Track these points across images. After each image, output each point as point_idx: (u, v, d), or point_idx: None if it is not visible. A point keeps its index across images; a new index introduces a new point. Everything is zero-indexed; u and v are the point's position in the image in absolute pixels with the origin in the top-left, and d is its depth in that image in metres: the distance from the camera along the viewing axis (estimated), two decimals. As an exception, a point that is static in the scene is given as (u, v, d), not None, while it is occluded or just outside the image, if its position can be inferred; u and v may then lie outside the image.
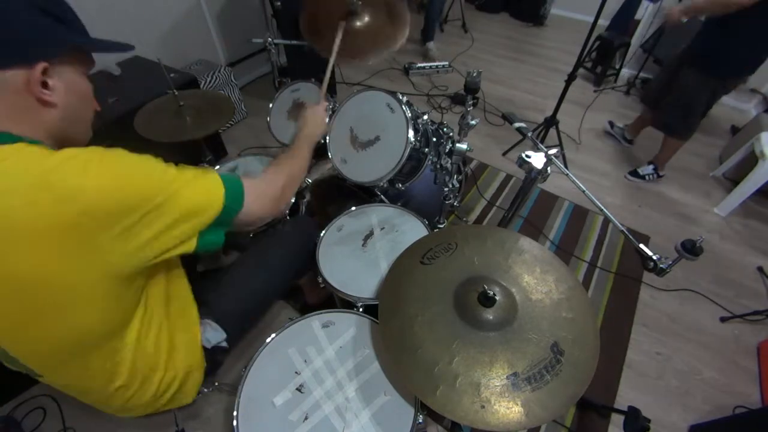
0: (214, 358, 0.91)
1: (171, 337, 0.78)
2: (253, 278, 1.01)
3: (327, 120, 1.17)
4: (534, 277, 0.87)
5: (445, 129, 1.47)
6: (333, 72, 1.25)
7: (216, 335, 0.89)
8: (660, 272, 0.80)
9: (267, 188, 0.80)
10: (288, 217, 1.31)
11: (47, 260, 0.51)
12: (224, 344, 0.91)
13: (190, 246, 0.64)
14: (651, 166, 2.23)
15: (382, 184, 1.26)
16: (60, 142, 0.61)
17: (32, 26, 0.54)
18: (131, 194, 0.54)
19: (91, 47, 0.64)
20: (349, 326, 0.95)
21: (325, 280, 1.09)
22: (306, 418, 0.80)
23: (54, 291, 0.54)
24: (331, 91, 2.67)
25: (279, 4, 2.15)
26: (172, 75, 1.54)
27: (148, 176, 0.58)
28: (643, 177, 2.24)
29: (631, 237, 0.85)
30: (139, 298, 0.67)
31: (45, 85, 0.56)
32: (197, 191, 0.63)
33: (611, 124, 2.55)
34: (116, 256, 0.55)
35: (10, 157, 0.51)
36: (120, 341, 0.67)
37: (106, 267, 0.55)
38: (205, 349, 0.88)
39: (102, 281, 0.56)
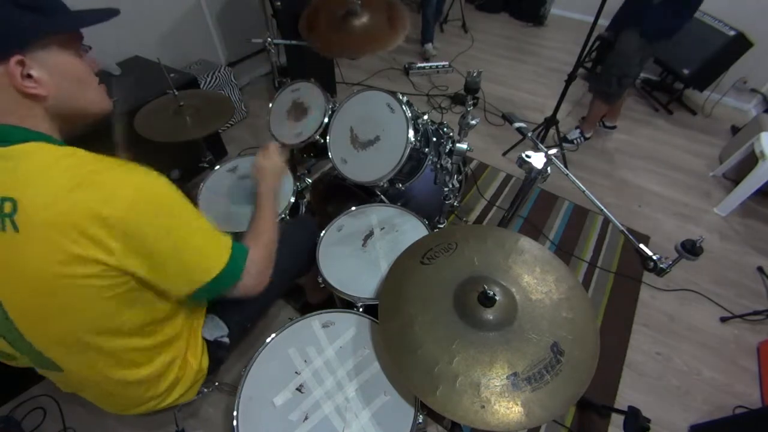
0: (215, 354, 0.91)
1: (184, 331, 0.82)
2: None
3: (280, 160, 1.13)
4: (534, 277, 0.87)
5: (445, 129, 1.47)
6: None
7: (218, 329, 0.90)
8: (660, 272, 0.81)
9: (260, 263, 0.81)
10: (289, 217, 1.31)
11: (61, 251, 0.53)
12: (225, 340, 0.92)
13: (178, 294, 0.68)
14: (577, 131, 2.37)
15: (382, 184, 1.26)
16: (69, 123, 0.63)
17: (2, 21, 0.52)
18: (150, 227, 0.58)
19: (70, 27, 0.60)
20: (349, 326, 0.95)
21: (325, 280, 1.09)
22: (306, 418, 0.80)
23: (78, 288, 0.56)
24: (331, 91, 2.68)
25: (279, 4, 2.15)
26: (172, 75, 1.54)
27: (172, 220, 0.62)
28: (571, 141, 2.39)
29: (631, 237, 0.85)
30: (153, 298, 0.69)
31: (29, 77, 0.54)
32: (204, 254, 0.67)
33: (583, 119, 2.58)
34: (128, 262, 0.58)
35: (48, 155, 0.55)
36: (142, 335, 0.70)
37: (119, 266, 0.58)
38: (208, 344, 0.89)
39: (114, 278, 0.58)
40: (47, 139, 0.58)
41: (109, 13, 0.63)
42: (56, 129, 0.61)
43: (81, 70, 0.63)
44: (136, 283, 0.61)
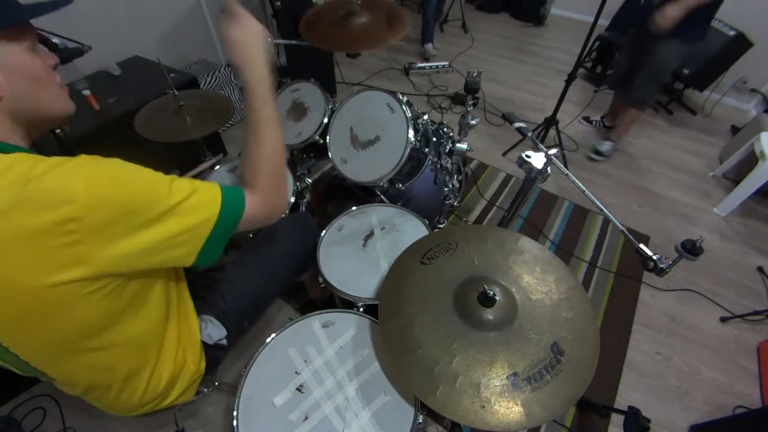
0: (213, 355, 0.91)
1: (176, 332, 0.80)
2: (252, 276, 1.01)
3: (257, 24, 0.77)
4: (534, 277, 0.87)
5: (445, 129, 1.47)
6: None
7: (217, 332, 0.89)
8: (660, 272, 0.80)
9: (261, 199, 0.70)
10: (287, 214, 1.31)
11: (36, 266, 0.50)
12: (224, 341, 0.92)
13: (186, 260, 0.62)
14: (608, 143, 2.36)
15: (382, 184, 1.26)
16: (32, 128, 0.59)
17: None
18: (122, 203, 0.53)
19: (13, 19, 0.55)
20: (349, 326, 0.95)
21: (325, 280, 1.09)
22: (306, 418, 0.80)
23: (46, 296, 0.53)
24: (331, 91, 2.68)
25: (279, 4, 2.15)
26: (172, 75, 1.54)
27: (144, 187, 0.56)
28: (606, 155, 2.39)
29: (631, 237, 0.85)
30: (140, 295, 0.67)
31: None
32: (196, 206, 0.60)
33: (587, 119, 2.62)
34: (106, 262, 0.54)
35: None
36: (123, 335, 0.67)
37: (96, 271, 0.54)
38: (205, 345, 0.89)
39: (94, 283, 0.55)
40: (3, 148, 0.54)
41: (60, 3, 0.59)
42: (18, 134, 0.58)
43: (37, 68, 0.58)
44: (119, 280, 0.59)
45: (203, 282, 0.95)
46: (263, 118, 0.73)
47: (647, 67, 1.99)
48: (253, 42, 0.74)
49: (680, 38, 1.84)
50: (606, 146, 2.35)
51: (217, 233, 0.63)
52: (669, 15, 1.77)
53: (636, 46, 2.03)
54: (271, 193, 0.72)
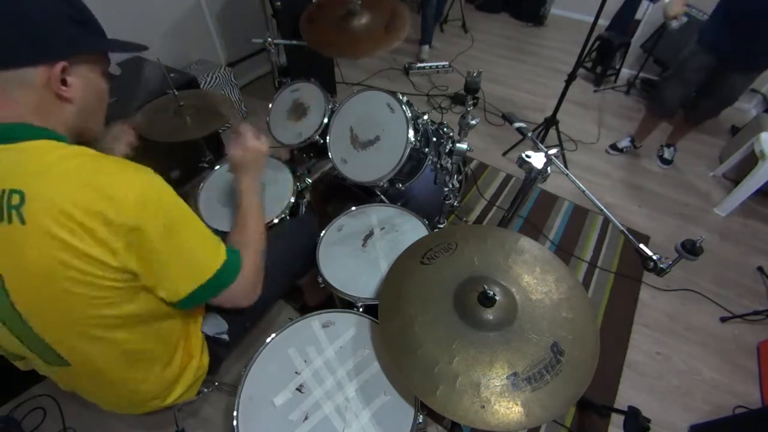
0: (215, 351, 0.92)
1: (185, 325, 0.83)
2: None
3: (260, 146, 1.00)
4: (534, 277, 0.87)
5: (445, 129, 1.47)
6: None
7: (218, 325, 0.91)
8: (660, 272, 0.80)
9: (251, 278, 0.80)
10: (289, 217, 1.31)
11: (76, 243, 0.55)
12: (225, 337, 0.92)
13: (174, 296, 0.68)
14: (671, 148, 2.36)
15: (382, 184, 1.26)
16: (76, 133, 0.66)
17: (58, 30, 0.59)
18: (148, 227, 0.59)
19: (109, 49, 0.68)
20: (349, 326, 0.95)
21: (325, 280, 1.09)
22: (306, 418, 0.80)
23: (74, 273, 0.56)
24: (331, 91, 2.68)
25: (279, 4, 2.15)
26: (172, 75, 1.54)
27: (170, 223, 0.63)
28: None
29: (631, 237, 0.85)
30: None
31: (64, 82, 0.60)
32: (200, 247, 0.69)
33: (614, 147, 2.47)
34: (131, 261, 0.60)
35: (52, 152, 0.58)
36: (145, 327, 0.71)
37: (121, 265, 0.59)
38: (207, 341, 0.90)
39: (117, 273, 0.60)
40: (60, 138, 0.61)
41: (139, 48, 0.72)
42: (68, 135, 0.65)
43: (104, 90, 0.70)
44: (137, 281, 0.63)
45: None
46: (251, 218, 0.89)
47: (720, 96, 1.96)
48: (252, 158, 0.98)
49: (758, 70, 1.83)
50: (671, 152, 2.37)
51: (209, 286, 0.70)
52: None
53: (707, 73, 1.92)
54: (256, 273, 0.82)
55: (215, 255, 0.71)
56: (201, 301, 0.71)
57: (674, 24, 1.74)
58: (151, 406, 0.82)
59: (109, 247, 0.57)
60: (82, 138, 0.68)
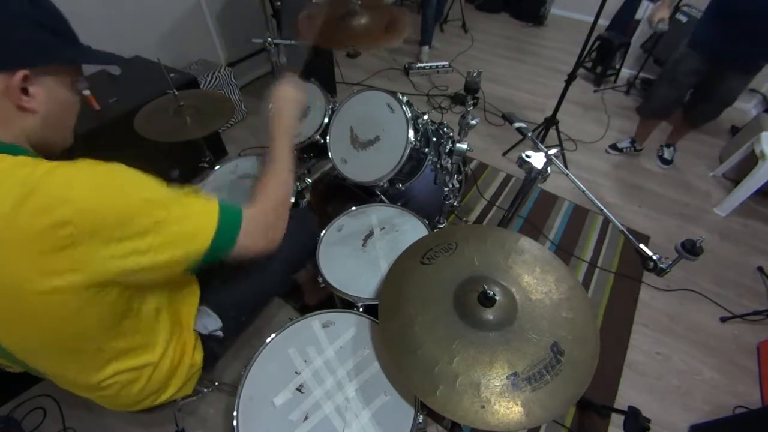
0: (210, 347, 0.91)
1: (173, 324, 0.80)
2: (251, 270, 1.00)
3: (298, 88, 0.94)
4: (534, 277, 0.87)
5: (445, 129, 1.47)
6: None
7: (212, 322, 0.89)
8: (660, 272, 0.80)
9: (261, 221, 0.73)
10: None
11: (34, 270, 0.51)
12: (219, 333, 0.91)
13: (175, 270, 0.62)
14: (671, 148, 2.34)
15: (382, 184, 1.26)
16: (39, 146, 0.61)
17: (20, 35, 0.53)
18: (118, 210, 0.53)
19: (81, 61, 0.63)
20: (349, 326, 0.95)
21: (325, 280, 1.09)
22: (306, 418, 0.80)
23: (43, 299, 0.53)
24: (331, 91, 2.68)
25: (279, 4, 2.15)
26: (172, 75, 1.53)
27: (141, 196, 0.57)
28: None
29: (631, 237, 0.85)
30: (137, 299, 0.67)
31: (25, 91, 0.55)
32: (190, 223, 0.61)
33: (614, 147, 2.47)
34: (100, 269, 0.54)
35: None
36: (121, 338, 0.68)
37: (91, 278, 0.54)
38: (201, 337, 0.89)
39: (89, 290, 0.55)
40: (13, 150, 0.55)
41: (115, 59, 0.67)
42: (32, 148, 0.60)
43: (72, 103, 0.64)
44: (115, 285, 0.59)
45: (201, 272, 0.94)
46: (283, 162, 0.83)
47: (717, 98, 1.94)
48: (292, 99, 0.92)
49: (754, 71, 1.81)
50: (670, 152, 2.36)
51: (215, 246, 0.63)
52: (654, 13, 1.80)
53: (701, 75, 1.92)
54: (268, 214, 0.75)
55: (204, 224, 0.63)
56: (206, 263, 0.65)
57: (660, 26, 1.82)
58: (144, 404, 0.81)
59: (75, 259, 0.51)
60: (51, 151, 0.63)
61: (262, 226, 0.72)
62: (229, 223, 0.66)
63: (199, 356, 0.88)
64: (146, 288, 0.70)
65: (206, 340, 0.90)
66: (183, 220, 0.60)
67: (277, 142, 0.85)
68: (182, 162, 1.80)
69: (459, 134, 1.11)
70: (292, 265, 1.14)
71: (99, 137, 1.58)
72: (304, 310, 1.51)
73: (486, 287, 0.78)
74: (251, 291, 1.01)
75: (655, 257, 0.80)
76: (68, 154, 0.60)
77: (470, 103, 1.03)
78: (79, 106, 0.67)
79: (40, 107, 0.58)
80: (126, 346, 0.70)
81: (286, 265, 1.10)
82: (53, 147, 0.64)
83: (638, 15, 3.21)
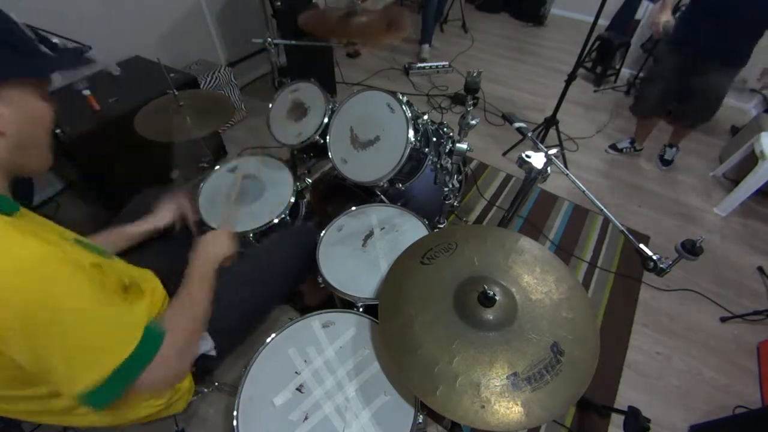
0: (202, 365, 0.87)
1: None
2: (246, 288, 0.98)
3: (231, 243, 0.93)
4: (534, 277, 0.87)
5: (445, 129, 1.47)
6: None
7: (202, 344, 0.85)
8: (660, 272, 0.80)
9: (171, 359, 0.64)
10: (289, 218, 1.31)
11: None
12: (212, 353, 0.88)
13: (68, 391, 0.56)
14: (674, 149, 2.33)
15: (382, 184, 1.26)
16: (13, 170, 0.58)
17: None
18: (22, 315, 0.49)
19: (43, 72, 0.59)
20: (349, 326, 0.95)
21: (325, 280, 1.09)
22: (306, 418, 0.80)
23: None
24: (331, 91, 2.68)
25: (279, 4, 2.15)
26: (172, 75, 1.54)
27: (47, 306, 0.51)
28: (670, 161, 2.35)
29: (631, 237, 0.85)
30: None
31: None
32: (101, 336, 0.56)
33: (613, 147, 2.47)
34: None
35: None
36: None
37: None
38: None
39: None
40: None
41: (82, 61, 0.63)
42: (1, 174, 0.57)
43: (45, 116, 0.59)
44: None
45: None
46: (194, 299, 0.77)
47: (702, 95, 1.94)
48: (218, 250, 0.89)
49: (735, 65, 1.82)
50: (672, 152, 2.33)
51: (122, 370, 0.57)
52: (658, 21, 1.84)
53: (677, 75, 1.95)
54: (181, 343, 0.69)
55: (120, 343, 0.58)
56: (97, 401, 0.57)
57: (667, 26, 1.91)
58: (129, 419, 0.77)
59: None
60: (22, 173, 0.60)
61: (169, 365, 0.65)
62: (144, 352, 0.60)
63: (186, 380, 0.84)
64: None
65: (198, 359, 0.85)
66: (93, 338, 0.55)
67: (197, 284, 0.80)
68: (182, 162, 1.81)
69: (459, 134, 1.11)
70: (290, 280, 1.11)
71: (99, 137, 1.58)
72: (305, 310, 1.51)
73: (486, 287, 0.78)
74: (247, 308, 0.97)
75: (655, 257, 0.80)
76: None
77: (470, 103, 1.02)
78: (53, 118, 0.61)
79: (8, 128, 0.53)
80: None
81: (281, 284, 1.07)
82: (28, 171, 0.61)
83: (638, 15, 3.21)
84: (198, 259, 0.85)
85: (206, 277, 0.82)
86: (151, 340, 0.62)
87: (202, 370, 0.89)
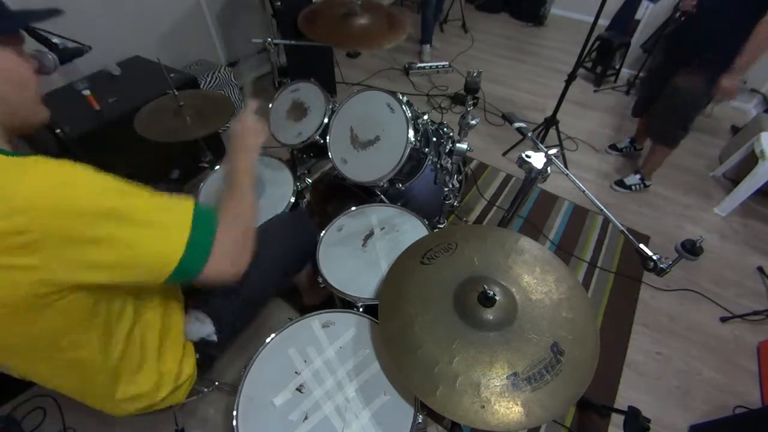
0: (203, 351, 0.88)
1: (160, 333, 0.78)
2: (246, 273, 0.99)
3: (259, 126, 0.93)
4: (534, 277, 0.87)
5: (445, 129, 1.47)
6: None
7: (203, 328, 0.87)
8: (660, 272, 0.81)
9: (230, 247, 0.68)
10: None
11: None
12: (213, 338, 0.89)
13: (156, 279, 0.60)
14: (638, 176, 2.16)
15: (382, 184, 1.26)
16: (11, 129, 0.59)
17: None
18: (70, 211, 0.50)
19: (9, 30, 0.58)
20: (349, 326, 0.95)
21: (325, 280, 1.09)
22: (306, 418, 0.80)
23: (9, 302, 0.51)
24: (331, 91, 2.68)
25: (279, 4, 2.15)
26: (172, 75, 1.53)
27: (99, 204, 0.53)
28: (629, 187, 2.18)
29: (631, 237, 0.85)
30: (115, 303, 0.65)
31: None
32: (153, 240, 0.58)
33: (613, 147, 2.44)
34: (64, 274, 0.52)
35: None
36: (87, 339, 0.64)
37: (56, 284, 0.52)
38: (195, 342, 0.87)
39: (56, 294, 0.53)
40: None
41: (51, 13, 0.62)
42: None
43: (26, 75, 0.60)
44: (81, 291, 0.56)
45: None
46: (243, 192, 0.79)
47: (672, 99, 1.81)
48: (251, 132, 0.89)
49: (710, 72, 1.66)
50: (634, 179, 2.16)
51: (178, 272, 0.60)
52: (728, 89, 1.64)
53: (660, 77, 1.84)
54: (238, 240, 0.71)
55: (171, 245, 0.60)
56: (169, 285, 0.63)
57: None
58: (136, 411, 0.79)
59: (25, 265, 0.49)
60: (21, 132, 0.62)
61: (231, 253, 0.68)
62: (199, 246, 0.62)
63: (186, 368, 0.84)
64: (115, 299, 0.67)
65: (200, 345, 0.87)
66: (144, 236, 0.57)
67: (242, 178, 0.81)
68: (182, 162, 1.80)
69: (459, 134, 1.11)
70: (291, 265, 1.11)
71: (99, 137, 1.58)
72: (305, 310, 1.51)
73: (486, 287, 0.78)
74: (246, 293, 0.97)
75: (655, 257, 0.81)
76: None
77: (470, 103, 1.03)
78: (35, 72, 0.62)
79: None
80: (110, 356, 0.68)
81: (281, 268, 1.07)
82: (26, 125, 0.62)
83: (638, 15, 3.21)
84: (235, 152, 0.85)
85: (250, 168, 0.84)
86: (202, 233, 0.63)
87: (204, 356, 0.89)
